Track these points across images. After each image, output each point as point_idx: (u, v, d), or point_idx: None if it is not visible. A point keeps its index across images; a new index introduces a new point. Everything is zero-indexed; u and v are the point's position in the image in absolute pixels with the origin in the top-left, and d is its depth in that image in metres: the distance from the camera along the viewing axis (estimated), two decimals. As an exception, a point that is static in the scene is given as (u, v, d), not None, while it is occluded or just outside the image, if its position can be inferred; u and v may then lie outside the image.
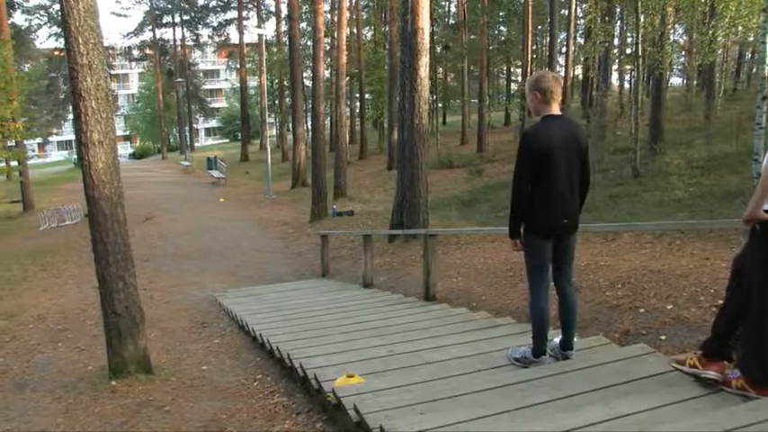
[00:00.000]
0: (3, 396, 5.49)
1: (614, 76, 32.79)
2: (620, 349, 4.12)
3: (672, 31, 17.09)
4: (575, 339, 4.03)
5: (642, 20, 13.93)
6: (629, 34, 23.92)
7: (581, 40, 35.53)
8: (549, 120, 3.69)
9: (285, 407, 4.51)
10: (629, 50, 24.78)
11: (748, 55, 28.98)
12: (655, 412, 2.90)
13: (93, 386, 5.47)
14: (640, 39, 14.13)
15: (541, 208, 3.72)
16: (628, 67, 27.16)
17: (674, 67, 26.12)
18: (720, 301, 4.75)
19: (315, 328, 6.08)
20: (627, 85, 33.05)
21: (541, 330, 3.85)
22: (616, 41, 24.43)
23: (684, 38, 24.94)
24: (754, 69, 21.22)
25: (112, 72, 55.40)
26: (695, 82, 27.81)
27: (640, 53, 14.46)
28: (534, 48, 41.94)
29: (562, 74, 31.42)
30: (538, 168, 3.62)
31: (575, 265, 4.52)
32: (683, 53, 24.93)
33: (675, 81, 34.55)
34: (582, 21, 27.93)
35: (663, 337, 4.40)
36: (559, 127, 3.67)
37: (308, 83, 31.92)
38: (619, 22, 24.03)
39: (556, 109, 3.73)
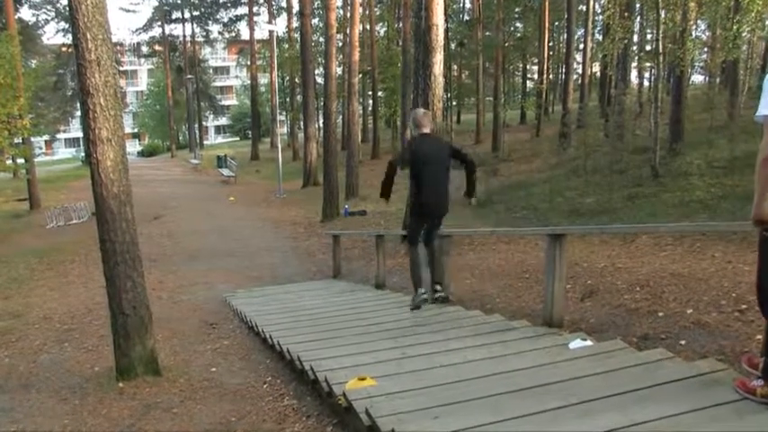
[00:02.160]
0: (8, 397, 5.54)
1: (633, 74, 32.61)
2: (639, 354, 4.09)
3: (694, 26, 16.91)
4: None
5: (663, 15, 13.80)
6: (648, 30, 23.80)
7: (599, 37, 35.31)
8: (421, 136, 6.10)
9: (295, 410, 4.52)
10: (648, 47, 24.63)
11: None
12: (674, 419, 2.88)
13: (100, 387, 5.49)
14: (661, 35, 14.01)
15: (417, 194, 6.12)
16: (647, 64, 26.96)
17: (696, 64, 25.91)
18: (743, 306, 4.73)
19: (326, 330, 6.08)
20: (646, 83, 32.86)
21: (418, 272, 6.30)
22: (635, 38, 24.29)
23: (707, 34, 24.70)
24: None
25: (121, 69, 55.73)
26: (718, 79, 27.54)
27: (661, 50, 14.34)
28: (551, 45, 41.83)
29: (579, 71, 31.31)
30: (413, 166, 5.96)
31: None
32: (706, 49, 24.69)
33: (697, 79, 34.27)
34: (600, 17, 27.72)
35: (683, 342, 4.37)
36: (431, 142, 6.21)
37: (319, 80, 31.94)
38: (638, 18, 23.83)
39: (425, 130, 6.12)
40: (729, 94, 19.11)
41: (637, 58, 26.11)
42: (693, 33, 15.99)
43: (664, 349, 4.01)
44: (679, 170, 12.71)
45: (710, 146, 13.90)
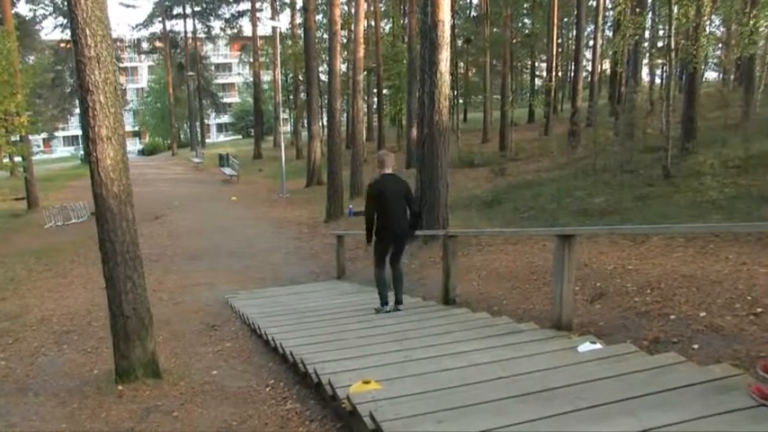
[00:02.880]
0: (5, 400, 5.53)
1: (644, 71, 32.51)
2: (650, 358, 4.08)
3: (708, 22, 16.80)
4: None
5: (675, 11, 13.72)
6: (660, 26, 23.73)
7: (609, 33, 35.26)
8: (384, 176, 6.99)
9: (298, 414, 4.52)
10: (660, 44, 24.58)
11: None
12: (687, 425, 2.87)
13: (99, 390, 5.50)
14: (673, 31, 13.94)
15: (383, 224, 6.95)
16: (659, 61, 26.91)
17: (710, 60, 25.81)
18: (759, 309, 4.71)
19: (330, 333, 6.09)
20: (657, 81, 32.78)
21: (383, 290, 7.16)
22: (647, 34, 24.19)
23: (722, 29, 24.59)
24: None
25: (121, 65, 55.95)
26: (732, 76, 27.42)
27: (673, 46, 14.28)
28: (560, 41, 41.80)
29: (589, 68, 31.26)
30: (378, 202, 6.90)
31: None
32: (720, 46, 24.59)
33: (710, 75, 34.14)
34: (610, 12, 27.65)
35: (695, 346, 4.34)
36: (393, 181, 7.01)
37: (323, 77, 31.94)
38: (650, 14, 23.76)
39: (388, 170, 7.03)
40: (744, 91, 19.01)
41: (648, 54, 26.05)
42: (707, 29, 15.89)
43: (676, 353, 3.99)
44: (691, 170, 12.65)
45: (724, 145, 13.84)
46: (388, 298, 7.18)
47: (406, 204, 7.02)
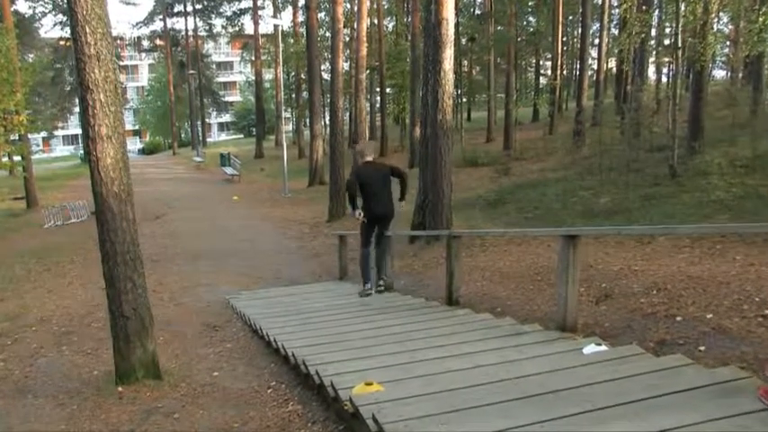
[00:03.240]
0: (3, 402, 5.53)
1: (651, 70, 32.43)
2: (656, 360, 4.07)
3: (716, 19, 16.73)
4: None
5: (683, 8, 13.71)
6: (667, 24, 23.61)
7: (615, 31, 35.21)
8: (366, 164, 7.90)
9: (300, 415, 4.53)
10: (667, 41, 24.53)
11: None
12: (694, 429, 2.86)
13: (99, 392, 5.50)
14: (680, 29, 13.92)
15: (368, 206, 7.74)
16: (666, 59, 26.81)
17: (717, 58, 25.73)
18: (767, 311, 4.69)
19: (332, 333, 6.09)
20: (664, 79, 32.69)
21: (366, 268, 8.14)
22: (653, 32, 24.16)
23: (730, 27, 24.52)
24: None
25: (121, 63, 55.95)
26: (740, 74, 27.35)
27: (680, 44, 14.26)
28: (565, 39, 41.69)
29: (594, 67, 31.22)
30: (362, 189, 7.67)
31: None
32: (728, 43, 24.51)
33: (718, 74, 34.06)
34: (616, 10, 27.64)
35: (702, 348, 4.33)
36: (373, 167, 7.92)
37: (326, 76, 31.99)
38: (657, 12, 23.73)
39: (369, 158, 8.02)
40: (753, 89, 18.98)
41: (654, 52, 26.00)
42: (715, 27, 15.83)
43: (682, 355, 3.99)
44: (698, 169, 12.63)
45: (732, 144, 13.82)
46: (370, 279, 8.23)
47: (386, 188, 7.86)
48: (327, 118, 28.61)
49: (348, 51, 31.71)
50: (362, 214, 7.77)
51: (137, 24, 53.43)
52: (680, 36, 14.08)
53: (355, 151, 8.37)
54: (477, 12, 39.56)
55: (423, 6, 15.37)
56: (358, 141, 9.02)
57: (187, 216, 20.08)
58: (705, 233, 7.63)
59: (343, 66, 25.62)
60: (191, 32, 53.80)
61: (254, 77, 44.40)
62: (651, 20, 19.02)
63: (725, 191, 10.21)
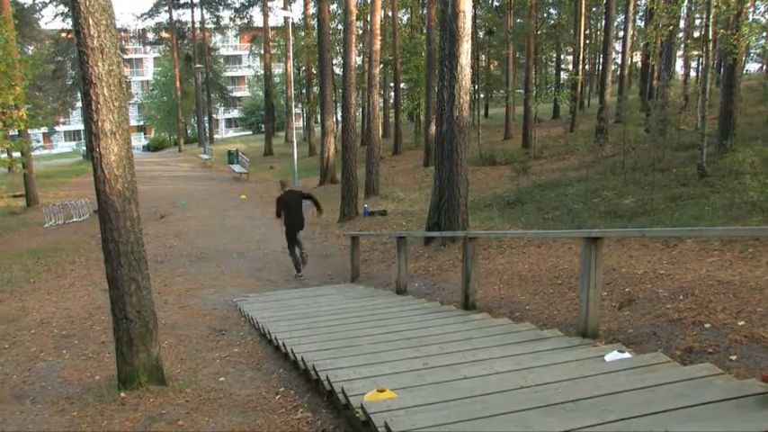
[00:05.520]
0: (0, 408, 5.55)
1: (678, 64, 32.22)
2: (682, 369, 4.03)
3: (751, 9, 16.49)
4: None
5: (714, -2, 13.59)
6: (697, 15, 23.46)
7: (641, 23, 35.00)
8: (288, 192, 12.23)
9: (309, 423, 4.53)
10: (696, 34, 24.33)
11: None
12: (722, 440, 2.83)
13: (101, 398, 5.51)
14: (711, 20, 13.80)
15: (287, 221, 11.83)
16: (695, 52, 26.62)
17: (752, 51, 25.43)
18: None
19: (343, 338, 6.10)
20: (693, 74, 32.45)
21: (296, 262, 12.13)
22: (682, 24, 23.98)
23: (766, 17, 24.28)
24: None
25: (125, 57, 56.41)
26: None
27: (711, 36, 14.13)
28: (587, 32, 41.53)
29: (618, 61, 31.03)
30: (284, 208, 11.90)
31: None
32: (764, 35, 24.23)
33: (752, 67, 33.67)
34: (642, 1, 27.46)
35: (733, 357, 4.29)
36: (291, 194, 12.30)
37: (338, 71, 32.03)
38: (686, 2, 23.54)
39: (288, 188, 12.53)
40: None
41: (683, 45, 25.80)
42: (750, 17, 15.61)
43: (711, 364, 3.94)
44: (729, 169, 12.52)
45: (766, 141, 13.67)
46: (298, 267, 12.09)
47: (302, 207, 12.10)
48: (339, 114, 28.68)
49: (361, 45, 31.77)
50: (284, 223, 11.90)
51: (141, 16, 53.75)
52: (711, 27, 13.94)
53: (282, 183, 13.06)
54: (496, 3, 39.48)
55: (439, -2, 15.35)
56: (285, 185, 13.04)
57: (193, 215, 20.18)
58: (736, 236, 7.55)
59: (356, 60, 25.62)
60: (197, 25, 54.04)
61: (263, 72, 44.49)
62: (680, 11, 18.82)
63: (758, 191, 10.08)
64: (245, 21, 54.31)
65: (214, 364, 6.59)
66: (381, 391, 3.90)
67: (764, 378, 3.45)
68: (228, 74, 68.87)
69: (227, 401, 5.33)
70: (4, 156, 24.69)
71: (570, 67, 40.08)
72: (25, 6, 41.00)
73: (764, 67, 30.56)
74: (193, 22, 53.70)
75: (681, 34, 24.01)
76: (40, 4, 44.43)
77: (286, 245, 12.17)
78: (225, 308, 9.50)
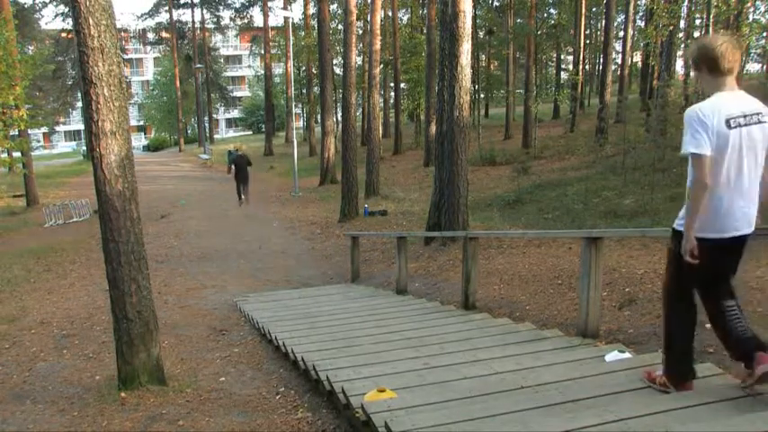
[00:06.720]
0: (0, 408, 5.54)
1: (679, 64, 32.21)
2: (683, 368, 4.02)
3: (751, 9, 16.48)
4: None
5: (715, -2, 13.60)
6: (697, 15, 23.45)
7: (641, 23, 34.99)
8: (238, 156, 21.15)
9: (309, 423, 4.53)
10: (697, 34, 24.28)
11: None
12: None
13: (101, 398, 5.50)
14: (711, 20, 13.81)
15: (237, 173, 21.21)
16: (695, 53, 26.53)
17: (752, 51, 25.38)
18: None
19: (343, 338, 6.10)
20: (693, 74, 32.42)
21: (239, 195, 21.40)
22: (682, 24, 23.94)
23: (767, 17, 24.27)
24: None
25: (125, 57, 56.38)
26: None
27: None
28: (588, 32, 41.55)
29: (618, 61, 31.03)
30: (236, 167, 21.18)
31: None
32: (765, 35, 24.20)
33: (752, 68, 33.61)
34: (643, 1, 27.45)
35: (733, 357, 4.28)
36: (240, 158, 21.07)
37: (338, 70, 32.04)
38: (686, 2, 23.54)
39: (240, 153, 21.52)
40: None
41: (683, 45, 25.75)
42: (750, 17, 15.60)
43: (711, 364, 3.94)
44: (729, 169, 12.50)
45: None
46: (241, 198, 19.53)
47: (246, 168, 20.04)
48: (339, 114, 28.68)
49: (361, 45, 31.78)
50: (233, 172, 19.49)
51: (141, 16, 53.88)
52: (711, 27, 13.94)
53: (235, 147, 17.85)
54: (496, 3, 39.49)
55: (439, -2, 15.35)
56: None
57: (193, 215, 20.17)
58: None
59: (356, 60, 25.64)
60: (198, 24, 54.10)
61: (263, 72, 44.51)
62: (680, 11, 18.83)
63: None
64: (246, 21, 54.37)
65: (214, 364, 6.58)
66: (381, 391, 3.90)
67: (649, 377, 3.66)
68: (228, 74, 68.91)
69: (227, 401, 5.33)
70: (5, 156, 24.63)
71: (570, 67, 40.10)
72: (25, 6, 41.01)
73: (765, 67, 30.51)
74: (193, 22, 53.75)
75: (681, 34, 23.97)
76: (40, 4, 44.45)
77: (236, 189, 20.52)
78: (225, 308, 9.49)
